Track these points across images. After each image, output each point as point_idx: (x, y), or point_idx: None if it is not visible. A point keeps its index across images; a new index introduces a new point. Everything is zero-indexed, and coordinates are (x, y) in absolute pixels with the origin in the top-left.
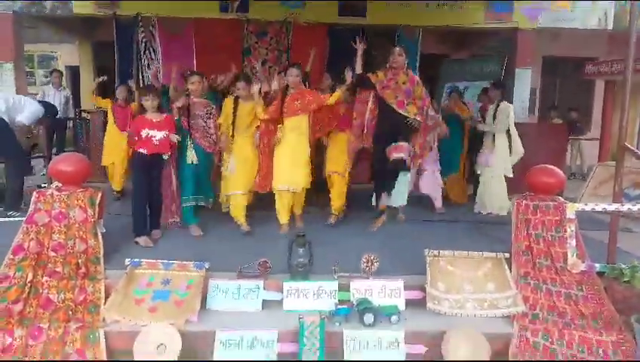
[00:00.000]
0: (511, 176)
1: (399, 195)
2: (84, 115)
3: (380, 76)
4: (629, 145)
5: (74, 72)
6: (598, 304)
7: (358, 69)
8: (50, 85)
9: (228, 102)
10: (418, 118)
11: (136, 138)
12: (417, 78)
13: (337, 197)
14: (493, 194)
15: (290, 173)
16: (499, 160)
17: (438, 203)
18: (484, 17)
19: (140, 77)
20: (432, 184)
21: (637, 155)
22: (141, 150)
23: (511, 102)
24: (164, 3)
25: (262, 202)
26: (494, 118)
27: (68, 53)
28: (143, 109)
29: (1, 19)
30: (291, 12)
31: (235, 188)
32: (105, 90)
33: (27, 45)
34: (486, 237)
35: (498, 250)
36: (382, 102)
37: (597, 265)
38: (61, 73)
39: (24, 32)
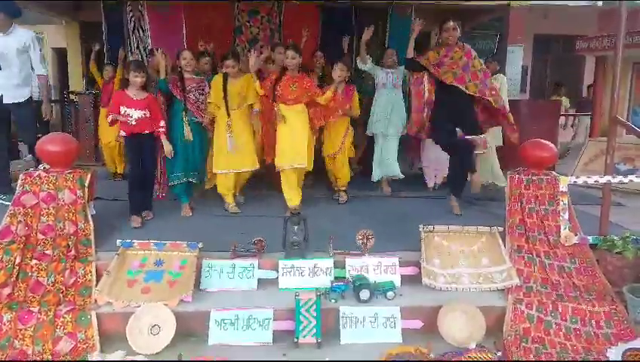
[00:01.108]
0: (501, 144)
1: (396, 165)
2: (72, 97)
3: (431, 57)
4: (619, 118)
5: (61, 55)
6: (590, 276)
7: (410, 53)
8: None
9: (217, 80)
10: (486, 97)
11: (115, 115)
12: (474, 51)
13: (342, 174)
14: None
15: (292, 152)
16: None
17: (439, 178)
18: None
19: (130, 57)
20: (439, 155)
21: (628, 127)
22: (122, 133)
23: None
24: None
25: (254, 182)
26: None
27: (54, 35)
28: (125, 83)
29: None
30: None
31: (224, 167)
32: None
33: None
34: (480, 212)
35: (492, 224)
36: (441, 82)
37: (589, 237)
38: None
39: None
